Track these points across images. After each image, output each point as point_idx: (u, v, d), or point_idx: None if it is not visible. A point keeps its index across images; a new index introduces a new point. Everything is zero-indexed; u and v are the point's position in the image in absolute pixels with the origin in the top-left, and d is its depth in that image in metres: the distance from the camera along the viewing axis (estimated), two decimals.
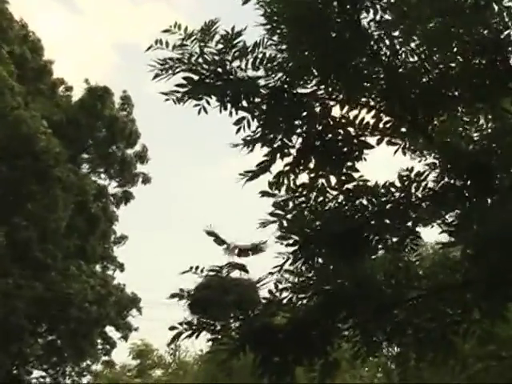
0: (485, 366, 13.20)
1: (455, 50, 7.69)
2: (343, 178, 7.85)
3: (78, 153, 28.12)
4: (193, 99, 7.61)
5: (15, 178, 23.92)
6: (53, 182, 24.44)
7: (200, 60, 7.54)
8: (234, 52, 7.53)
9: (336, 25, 7.59)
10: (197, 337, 7.56)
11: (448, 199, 7.66)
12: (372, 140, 7.93)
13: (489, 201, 7.69)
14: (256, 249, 7.64)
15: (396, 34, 7.68)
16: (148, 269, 37.93)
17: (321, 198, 7.89)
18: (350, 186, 7.86)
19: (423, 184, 7.78)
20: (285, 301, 7.81)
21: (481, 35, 7.54)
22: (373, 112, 7.93)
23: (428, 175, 7.82)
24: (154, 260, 38.56)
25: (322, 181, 7.86)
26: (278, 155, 7.74)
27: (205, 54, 7.53)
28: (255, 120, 7.63)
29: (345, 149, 7.83)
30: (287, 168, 7.83)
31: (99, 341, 27.63)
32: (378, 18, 7.58)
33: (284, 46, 7.68)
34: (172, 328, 7.53)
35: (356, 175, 7.85)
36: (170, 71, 7.57)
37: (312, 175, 7.87)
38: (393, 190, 7.81)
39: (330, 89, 7.83)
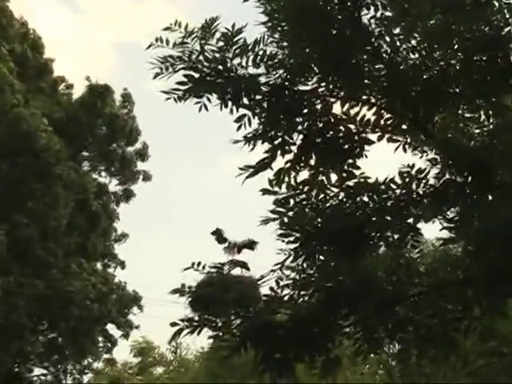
0: (486, 362, 13.19)
1: (456, 46, 7.70)
2: (344, 175, 7.85)
3: (78, 151, 28.11)
4: (194, 97, 7.61)
5: (16, 176, 23.88)
6: (53, 179, 24.42)
7: (201, 58, 7.54)
8: (234, 49, 7.52)
9: (337, 22, 7.59)
10: (198, 333, 7.55)
11: (449, 196, 7.65)
12: (373, 137, 7.96)
13: (490, 197, 7.70)
14: (250, 245, 7.64)
15: (397, 30, 7.69)
16: (149, 266, 38.02)
17: (322, 195, 7.90)
18: (350, 183, 7.87)
19: (424, 181, 7.78)
20: (286, 298, 7.81)
21: (481, 32, 7.54)
22: (374, 109, 7.93)
23: (429, 172, 7.82)
24: (155, 257, 38.55)
25: (322, 178, 7.88)
26: (279, 152, 7.75)
27: (205, 51, 7.53)
28: (256, 117, 7.64)
29: (346, 146, 7.84)
30: (288, 165, 7.83)
31: (100, 339, 27.60)
32: (378, 14, 7.59)
33: (285, 44, 7.68)
34: (173, 324, 7.52)
35: (357, 172, 7.87)
36: (171, 69, 7.57)
37: (313, 172, 7.87)
38: (394, 186, 7.80)
39: (331, 86, 7.84)
